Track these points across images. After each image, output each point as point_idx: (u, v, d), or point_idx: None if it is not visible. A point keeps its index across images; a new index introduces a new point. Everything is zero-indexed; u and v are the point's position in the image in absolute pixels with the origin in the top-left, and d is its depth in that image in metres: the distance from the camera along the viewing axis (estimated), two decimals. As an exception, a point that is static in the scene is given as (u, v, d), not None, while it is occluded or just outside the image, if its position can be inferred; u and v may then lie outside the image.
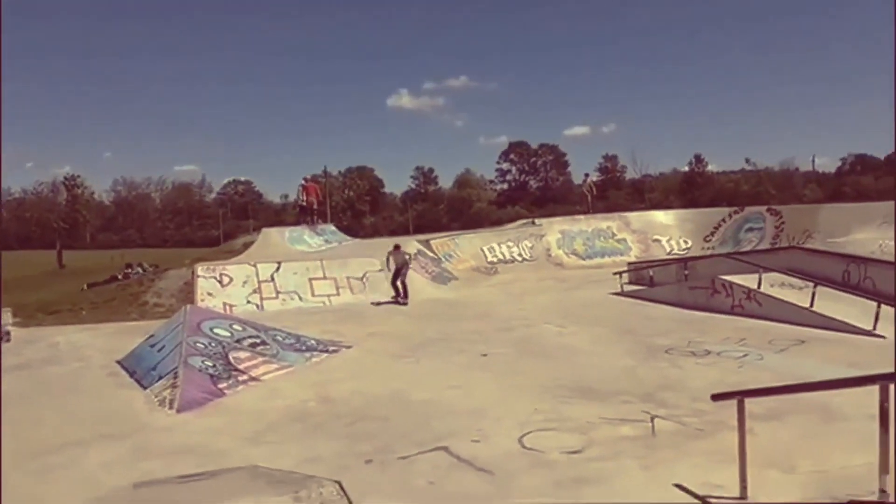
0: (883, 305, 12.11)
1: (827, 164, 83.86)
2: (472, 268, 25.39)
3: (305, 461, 6.96)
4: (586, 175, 39.14)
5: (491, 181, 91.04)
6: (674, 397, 8.69)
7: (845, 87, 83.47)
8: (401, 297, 18.64)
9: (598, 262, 27.80)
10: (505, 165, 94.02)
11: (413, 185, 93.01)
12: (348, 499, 5.87)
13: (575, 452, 6.92)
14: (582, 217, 31.39)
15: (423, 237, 27.07)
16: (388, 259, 19.25)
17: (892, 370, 4.50)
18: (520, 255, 27.77)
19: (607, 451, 6.90)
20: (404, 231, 47.46)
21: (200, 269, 19.03)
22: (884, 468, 4.43)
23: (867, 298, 12.73)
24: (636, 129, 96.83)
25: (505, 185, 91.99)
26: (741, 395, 5.54)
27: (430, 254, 24.14)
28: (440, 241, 26.12)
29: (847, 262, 14.96)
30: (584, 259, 28.61)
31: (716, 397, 6.02)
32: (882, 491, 4.41)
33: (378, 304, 18.56)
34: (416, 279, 20.17)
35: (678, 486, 5.85)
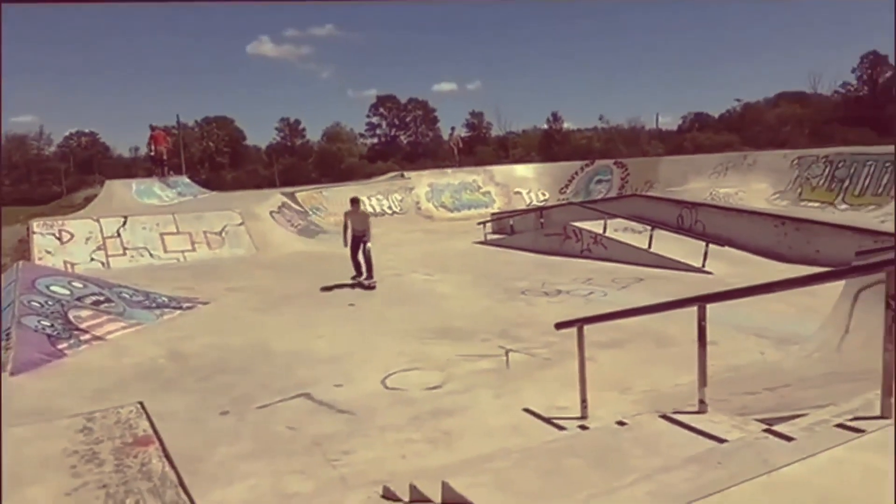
0: (711, 245, 13.46)
1: (669, 122, 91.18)
2: (341, 221, 25.00)
3: (153, 416, 6.65)
4: (452, 129, 39.63)
5: (361, 135, 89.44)
6: (527, 332, 9.20)
7: (689, 53, 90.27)
8: (364, 276, 13.55)
9: (466, 213, 28.45)
10: (375, 119, 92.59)
11: (278, 138, 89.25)
12: (149, 419, 5.82)
13: (434, 388, 7.17)
14: (450, 171, 31.84)
15: (288, 190, 26.22)
16: (345, 222, 14.07)
17: (709, 294, 5.02)
18: (389, 208, 27.74)
19: (464, 384, 7.22)
20: (270, 185, 45.66)
21: (36, 225, 17.24)
22: (702, 381, 4.96)
23: (697, 239, 14.08)
24: (500, 88, 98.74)
25: (375, 140, 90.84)
26: (580, 322, 5.96)
27: (297, 207, 23.49)
28: (307, 194, 25.44)
29: (681, 208, 16.41)
30: (452, 211, 29.16)
31: (559, 326, 6.44)
32: (701, 401, 4.94)
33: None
34: (280, 233, 19.59)
35: (527, 410, 6.25)
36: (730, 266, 12.97)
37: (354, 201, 14.22)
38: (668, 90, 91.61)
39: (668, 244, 14.27)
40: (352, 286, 13.36)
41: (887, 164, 19.19)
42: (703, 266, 13.00)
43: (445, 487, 3.86)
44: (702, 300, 4.79)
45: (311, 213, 23.95)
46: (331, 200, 25.92)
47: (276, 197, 22.66)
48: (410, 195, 28.84)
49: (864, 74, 58.67)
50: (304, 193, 25.38)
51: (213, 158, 72.74)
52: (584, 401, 5.87)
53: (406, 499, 4.48)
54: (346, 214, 14.01)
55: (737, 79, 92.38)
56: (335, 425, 6.30)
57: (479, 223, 21.66)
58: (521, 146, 62.23)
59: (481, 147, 63.17)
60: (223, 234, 18.81)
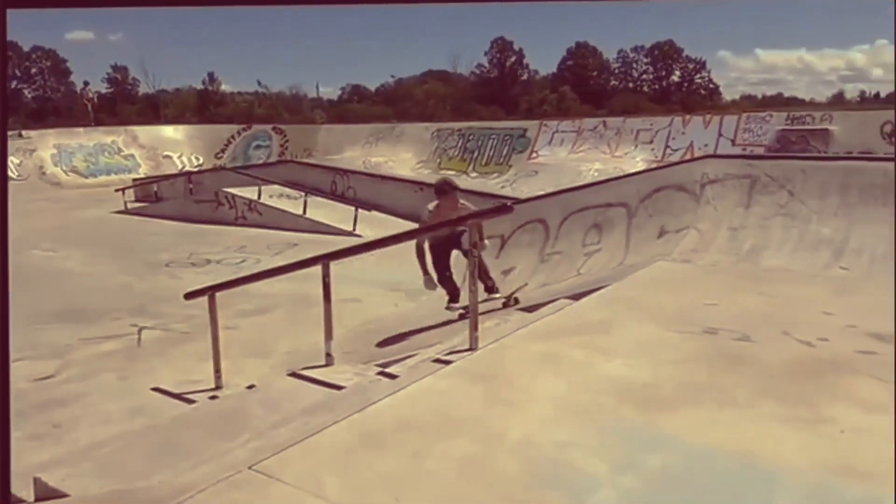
0: (360, 210, 14.23)
1: (330, 92, 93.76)
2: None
3: None
4: (85, 83, 34.70)
5: (-38, 85, 72.28)
6: (168, 308, 8.53)
7: (346, 31, 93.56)
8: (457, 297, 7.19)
9: (104, 179, 25.25)
10: (-15, 68, 75.59)
11: None
12: None
13: (45, 378, 6.20)
14: (82, 130, 27.75)
15: None
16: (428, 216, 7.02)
17: (332, 251, 5.23)
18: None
19: (84, 370, 6.40)
20: None
21: None
22: (328, 335, 5.13)
23: (349, 205, 14.76)
24: (147, 40, 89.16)
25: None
26: (211, 290, 5.71)
27: None
28: None
29: (334, 175, 17.02)
30: (86, 177, 25.60)
31: (189, 296, 6.09)
32: (328, 355, 5.12)
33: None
34: None
35: (156, 388, 5.79)
36: (378, 229, 13.84)
37: (445, 188, 7.20)
38: (327, 61, 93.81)
39: (323, 210, 14.67)
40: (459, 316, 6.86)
41: (507, 138, 22.62)
42: (354, 230, 13.68)
43: (37, 483, 3.38)
44: (325, 258, 4.95)
45: None
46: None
47: None
48: (31, 158, 24.49)
49: (494, 58, 67.72)
50: None
51: None
52: (217, 371, 5.65)
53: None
54: (437, 207, 7.01)
55: (391, 55, 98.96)
56: None
57: (118, 190, 19.40)
58: (173, 106, 57.31)
59: (126, 105, 56.66)
60: None
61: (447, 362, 4.02)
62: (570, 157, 20.14)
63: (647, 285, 5.37)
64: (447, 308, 6.91)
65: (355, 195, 16.13)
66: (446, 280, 6.99)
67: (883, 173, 5.61)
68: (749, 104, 54.63)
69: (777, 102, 56.15)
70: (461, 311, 6.69)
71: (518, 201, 9.38)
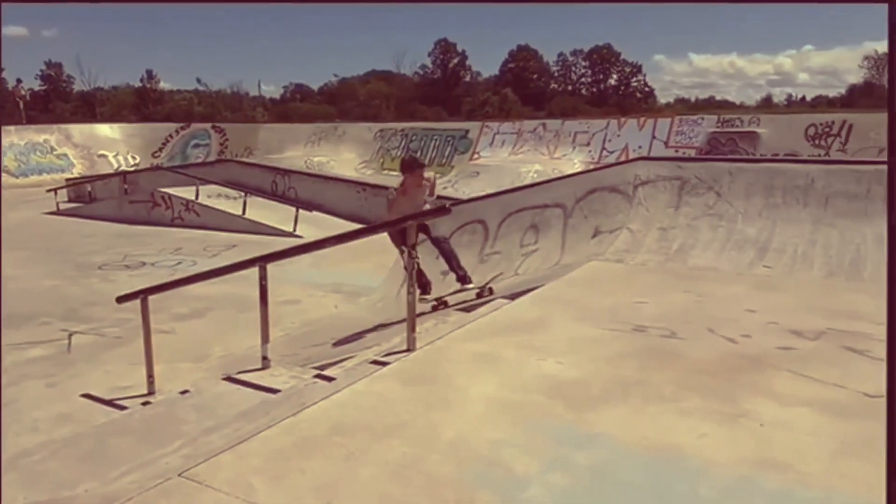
0: (301, 210, 14.04)
1: (273, 90, 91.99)
2: None
3: None
4: (18, 81, 33.10)
5: None
6: (99, 311, 8.24)
7: (283, 24, 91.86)
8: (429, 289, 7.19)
9: (36, 179, 24.19)
10: None
11: None
12: None
13: (-37, 389, 5.87)
14: (13, 129, 26.40)
15: None
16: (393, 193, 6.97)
17: (269, 253, 5.15)
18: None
19: (9, 377, 6.09)
20: None
21: None
22: (265, 338, 5.05)
23: (290, 205, 14.53)
24: (83, 37, 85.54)
25: None
26: (144, 293, 5.55)
27: None
28: None
29: (275, 174, 16.72)
30: (17, 177, 24.44)
31: (121, 299, 5.91)
32: (264, 358, 5.04)
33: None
34: None
35: (86, 395, 5.59)
36: (319, 230, 13.67)
37: (411, 164, 6.90)
38: (269, 59, 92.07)
39: (263, 210, 14.40)
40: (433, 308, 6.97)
41: (449, 139, 22.72)
42: (295, 231, 13.49)
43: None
44: (262, 260, 4.88)
45: None
46: None
47: None
48: (-46, 157, 23.18)
49: (437, 59, 67.89)
50: None
51: None
52: (150, 376, 5.49)
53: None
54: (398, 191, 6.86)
55: (335, 54, 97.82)
56: None
57: (50, 190, 18.58)
58: (110, 104, 55.24)
59: (60, 103, 54.22)
60: None
61: (385, 364, 4.04)
62: (510, 159, 20.38)
63: (580, 284, 5.51)
64: (420, 300, 6.71)
65: (296, 195, 15.90)
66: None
67: (804, 175, 5.91)
68: (683, 107, 56.78)
69: (709, 105, 58.66)
70: (434, 302, 6.67)
71: (458, 202, 9.45)
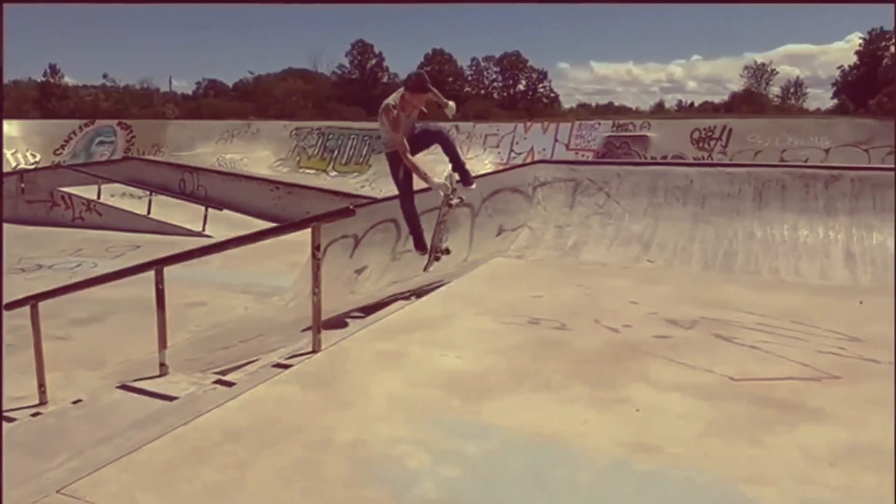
0: (211, 209, 13.66)
1: (185, 86, 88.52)
2: None
3: None
4: None
5: None
6: (-13, 320, 7.76)
7: (194, 19, 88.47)
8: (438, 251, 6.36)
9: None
10: None
11: None
12: None
13: None
14: None
15: None
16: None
17: (166, 256, 5.03)
18: None
19: None
20: None
21: None
22: (162, 344, 4.94)
23: (199, 204, 14.11)
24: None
25: None
26: (33, 299, 5.31)
27: None
28: None
29: (183, 172, 16.19)
30: None
31: (9, 306, 5.61)
32: (161, 364, 4.92)
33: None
34: None
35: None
36: (229, 229, 13.34)
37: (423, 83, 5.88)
38: (182, 55, 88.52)
39: (170, 209, 13.92)
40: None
41: (366, 138, 22.58)
42: (204, 230, 13.12)
43: None
44: (158, 263, 4.77)
45: None
46: None
47: None
48: None
49: (354, 59, 67.32)
50: None
51: None
52: (41, 385, 5.26)
53: None
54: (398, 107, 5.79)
55: (249, 51, 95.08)
56: None
57: (-66, 190, 17.27)
58: (10, 99, 51.61)
59: (-50, 98, 50.20)
60: None
61: (287, 366, 4.04)
62: (426, 158, 20.46)
63: (484, 280, 5.69)
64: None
65: (206, 194, 15.45)
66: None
67: (684, 176, 6.35)
68: (585, 112, 59.46)
69: (608, 111, 61.72)
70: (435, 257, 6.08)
71: (372, 202, 9.47)
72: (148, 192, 14.18)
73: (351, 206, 5.24)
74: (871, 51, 56.38)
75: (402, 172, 5.84)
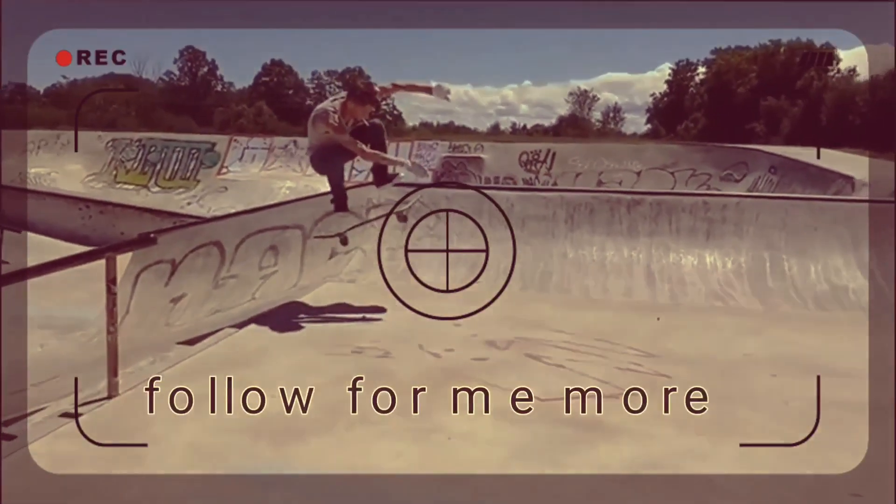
0: (8, 231, 12.08)
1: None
2: None
3: None
4: None
5: None
6: None
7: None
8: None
9: None
10: None
11: None
12: None
13: None
14: None
15: None
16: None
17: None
18: None
19: None
20: None
21: None
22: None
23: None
24: None
25: None
26: None
27: None
28: None
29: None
30: None
31: None
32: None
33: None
34: None
35: None
36: (31, 254, 11.94)
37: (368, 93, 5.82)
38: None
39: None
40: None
41: (194, 152, 21.33)
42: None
43: None
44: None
45: None
46: None
47: None
48: None
49: (184, 67, 63.75)
50: None
51: None
52: None
53: None
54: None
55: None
56: None
57: None
58: None
59: None
60: None
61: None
62: (262, 174, 19.83)
63: (312, 307, 5.53)
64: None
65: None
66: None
67: (506, 200, 6.64)
68: (427, 131, 61.11)
69: (448, 131, 64.04)
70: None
71: (195, 223, 8.89)
72: None
73: (152, 234, 4.85)
74: (678, 80, 63.49)
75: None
